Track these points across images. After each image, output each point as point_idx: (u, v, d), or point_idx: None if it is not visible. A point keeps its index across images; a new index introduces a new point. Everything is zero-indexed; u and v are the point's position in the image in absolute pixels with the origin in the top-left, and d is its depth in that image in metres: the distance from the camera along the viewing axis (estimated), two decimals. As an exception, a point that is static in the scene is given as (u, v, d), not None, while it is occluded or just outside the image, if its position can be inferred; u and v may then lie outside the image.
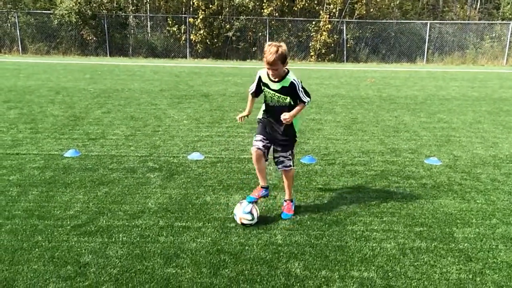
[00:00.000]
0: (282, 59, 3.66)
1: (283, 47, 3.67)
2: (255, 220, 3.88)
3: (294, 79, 3.82)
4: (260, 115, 4.16)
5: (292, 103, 3.90)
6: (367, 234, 3.79)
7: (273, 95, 3.88)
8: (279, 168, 4.17)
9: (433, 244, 3.64)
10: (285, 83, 3.82)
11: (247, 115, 4.21)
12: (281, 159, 4.10)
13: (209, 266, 3.24)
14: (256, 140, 4.03)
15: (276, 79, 3.81)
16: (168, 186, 4.83)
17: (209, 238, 3.65)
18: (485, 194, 4.77)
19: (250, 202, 3.94)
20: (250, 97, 4.16)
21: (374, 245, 3.60)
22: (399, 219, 4.10)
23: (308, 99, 3.91)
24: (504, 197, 4.71)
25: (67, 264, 3.21)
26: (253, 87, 4.08)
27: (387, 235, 3.78)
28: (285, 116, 3.81)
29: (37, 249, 3.41)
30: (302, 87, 3.87)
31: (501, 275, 3.21)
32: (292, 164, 4.14)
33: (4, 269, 3.14)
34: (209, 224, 3.92)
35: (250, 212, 3.87)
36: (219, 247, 3.52)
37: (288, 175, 4.16)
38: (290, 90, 3.84)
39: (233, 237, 3.69)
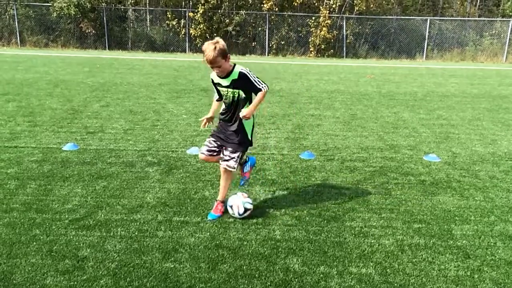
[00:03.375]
0: (221, 54, 3.59)
1: (220, 42, 3.61)
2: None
3: (241, 69, 3.75)
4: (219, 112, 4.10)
5: (245, 96, 3.82)
6: (366, 230, 3.79)
7: (226, 91, 3.83)
8: (221, 165, 3.95)
9: (431, 241, 3.64)
10: (234, 76, 3.75)
11: (211, 118, 4.10)
12: (227, 158, 3.90)
13: (207, 261, 3.24)
14: (205, 145, 4.04)
15: (224, 75, 3.76)
16: (167, 180, 4.82)
17: (208, 233, 3.65)
18: (483, 191, 4.77)
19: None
20: (214, 101, 4.12)
21: (372, 241, 3.60)
22: (397, 215, 4.10)
23: (265, 85, 3.81)
24: (502, 194, 4.72)
25: (65, 258, 3.21)
26: (215, 94, 4.04)
27: (385, 231, 3.78)
28: (243, 114, 3.74)
29: (35, 243, 3.41)
30: (254, 75, 3.78)
31: (499, 273, 3.22)
32: (235, 167, 3.93)
33: (2, 263, 3.13)
34: (208, 219, 3.91)
35: (249, 197, 3.92)
36: (217, 242, 3.52)
37: (227, 175, 3.97)
38: (242, 82, 3.75)
39: (231, 232, 3.68)
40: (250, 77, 3.74)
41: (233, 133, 3.93)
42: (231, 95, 3.82)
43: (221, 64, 3.65)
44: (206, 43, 3.64)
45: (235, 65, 3.79)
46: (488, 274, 3.20)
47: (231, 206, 3.91)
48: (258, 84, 3.76)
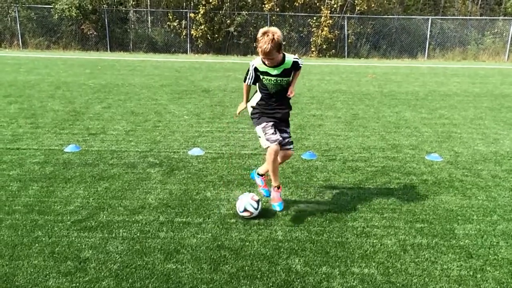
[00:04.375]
0: (278, 47, 3.54)
1: (278, 33, 3.52)
2: (257, 212, 3.90)
3: (294, 58, 3.79)
4: (254, 102, 4.03)
5: (290, 80, 3.88)
6: (368, 230, 3.78)
7: (275, 80, 3.79)
8: (285, 149, 3.99)
9: (434, 241, 3.63)
10: (287, 65, 3.76)
11: (245, 107, 4.16)
12: (289, 139, 4.02)
13: (209, 261, 3.24)
14: (273, 133, 3.83)
15: (274, 65, 3.73)
16: (169, 181, 4.82)
17: (210, 234, 3.65)
18: (486, 191, 4.76)
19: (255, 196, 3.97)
20: (245, 87, 4.02)
21: (374, 241, 3.60)
22: (400, 215, 4.09)
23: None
24: (505, 193, 4.70)
25: (67, 260, 3.21)
26: (249, 79, 3.91)
27: (387, 231, 3.77)
28: (292, 93, 3.85)
29: (37, 244, 3.41)
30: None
31: (502, 272, 3.21)
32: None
33: (4, 264, 3.14)
34: (210, 219, 3.91)
35: (258, 202, 3.90)
36: (219, 242, 3.51)
37: (289, 155, 4.09)
38: (293, 68, 3.81)
39: (233, 232, 3.68)
40: (299, 62, 3.84)
41: (287, 114, 3.99)
42: (280, 83, 3.81)
43: (275, 57, 3.63)
44: (263, 31, 3.55)
45: (284, 54, 3.75)
46: (491, 273, 3.18)
47: (238, 200, 3.96)
48: (301, 64, 3.88)
